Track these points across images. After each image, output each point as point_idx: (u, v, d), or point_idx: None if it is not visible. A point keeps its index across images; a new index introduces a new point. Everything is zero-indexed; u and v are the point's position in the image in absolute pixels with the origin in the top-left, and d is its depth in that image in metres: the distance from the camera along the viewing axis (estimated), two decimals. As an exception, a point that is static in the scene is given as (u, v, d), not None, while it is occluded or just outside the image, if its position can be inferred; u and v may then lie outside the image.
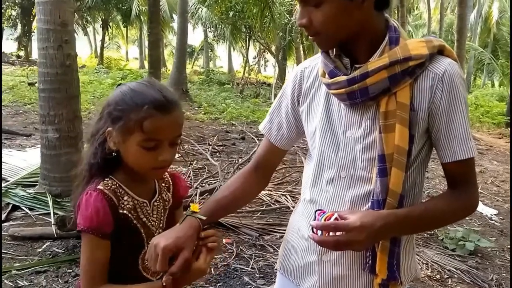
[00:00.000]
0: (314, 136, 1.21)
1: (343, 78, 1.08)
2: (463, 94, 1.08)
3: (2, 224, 3.55)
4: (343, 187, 1.15)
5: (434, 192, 5.44)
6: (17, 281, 2.81)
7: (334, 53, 1.15)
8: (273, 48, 19.75)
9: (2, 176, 4.46)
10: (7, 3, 20.86)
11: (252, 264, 3.28)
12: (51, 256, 3.14)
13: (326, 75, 1.13)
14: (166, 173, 1.26)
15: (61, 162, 3.99)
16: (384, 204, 1.08)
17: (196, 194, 4.19)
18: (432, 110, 1.07)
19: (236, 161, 5.64)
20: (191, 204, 1.16)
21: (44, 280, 2.84)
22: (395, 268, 1.11)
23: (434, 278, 3.30)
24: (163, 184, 1.24)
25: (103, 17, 24.69)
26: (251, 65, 21.12)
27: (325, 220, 1.02)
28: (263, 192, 4.62)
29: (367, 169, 1.12)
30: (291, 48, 20.74)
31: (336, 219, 1.02)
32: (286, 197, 4.67)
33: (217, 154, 6.51)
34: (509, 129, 11.17)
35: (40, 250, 3.22)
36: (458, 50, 9.61)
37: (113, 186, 1.11)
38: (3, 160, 4.93)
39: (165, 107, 1.06)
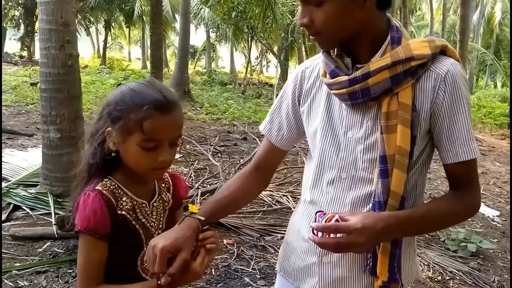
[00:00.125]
0: (315, 136, 1.20)
1: (345, 78, 1.07)
2: (466, 94, 1.07)
3: (3, 224, 3.55)
4: (344, 188, 1.14)
5: (436, 193, 5.42)
6: (18, 281, 2.80)
7: (335, 53, 1.14)
8: (275, 49, 19.75)
9: (4, 176, 4.47)
10: (10, 3, 20.91)
11: (253, 265, 3.27)
12: (51, 256, 3.14)
13: (327, 75, 1.12)
14: (166, 174, 1.26)
15: (62, 162, 3.99)
16: (385, 206, 1.07)
17: (197, 195, 4.19)
18: (434, 110, 1.06)
19: (238, 162, 5.63)
20: (189, 205, 1.15)
21: (45, 280, 2.83)
22: (396, 270, 1.10)
23: (436, 279, 3.29)
24: (163, 185, 1.24)
25: (105, 18, 24.72)
26: (253, 66, 21.15)
27: (325, 221, 1.01)
28: (264, 192, 4.61)
29: (368, 170, 1.11)
30: (293, 48, 20.74)
31: (337, 220, 1.01)
32: (287, 197, 4.66)
33: (219, 154, 6.50)
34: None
35: (40, 250, 3.22)
36: (460, 51, 9.58)
37: (111, 187, 1.10)
38: (4, 160, 4.94)
39: (165, 107, 1.05)
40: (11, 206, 3.87)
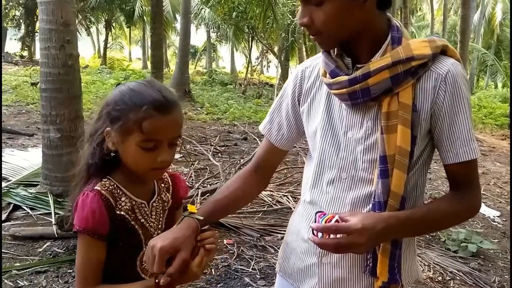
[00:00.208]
0: (315, 136, 1.20)
1: (345, 78, 1.07)
2: (466, 95, 1.06)
3: (4, 224, 3.55)
4: (343, 188, 1.14)
5: (436, 193, 5.41)
6: (17, 281, 2.80)
7: (335, 53, 1.14)
8: (275, 49, 19.75)
9: (4, 175, 4.47)
10: (11, 3, 20.92)
11: (253, 265, 3.27)
12: (51, 256, 3.14)
13: (327, 75, 1.12)
14: (166, 174, 1.25)
15: (62, 162, 3.99)
16: (385, 206, 1.06)
17: (197, 195, 4.18)
18: (435, 111, 1.06)
19: (238, 162, 5.63)
20: (188, 205, 1.14)
21: (44, 280, 2.83)
22: (396, 271, 1.10)
23: (436, 280, 3.29)
24: (162, 185, 1.23)
25: (106, 18, 24.72)
26: (254, 66, 21.16)
27: (325, 222, 1.01)
28: (264, 192, 4.61)
29: (368, 170, 1.10)
30: (293, 48, 20.73)
31: (337, 221, 1.00)
32: (288, 197, 4.66)
33: (219, 154, 6.50)
34: (512, 130, 11.12)
35: (40, 250, 3.21)
36: (461, 51, 9.58)
37: (110, 187, 1.10)
38: (5, 159, 4.94)
39: (165, 107, 1.05)
40: (11, 206, 3.86)
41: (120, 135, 1.06)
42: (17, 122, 7.99)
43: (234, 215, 3.93)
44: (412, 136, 1.05)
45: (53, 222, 3.54)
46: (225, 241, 3.59)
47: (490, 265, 3.69)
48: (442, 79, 1.05)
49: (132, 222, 1.12)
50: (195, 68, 30.52)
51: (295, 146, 6.55)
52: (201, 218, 1.11)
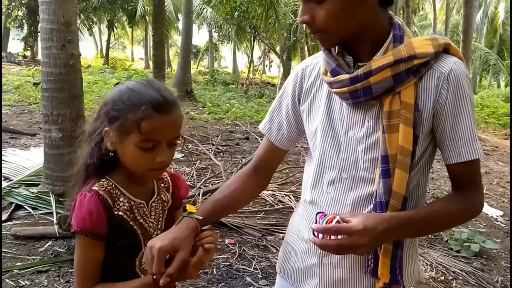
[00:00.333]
0: (315, 136, 1.19)
1: (346, 76, 1.06)
2: (469, 93, 1.05)
3: (5, 223, 3.56)
4: (344, 188, 1.13)
5: (439, 193, 5.39)
6: (19, 280, 2.80)
7: (336, 51, 1.12)
8: (277, 49, 19.74)
9: (6, 175, 4.48)
10: (14, 4, 20.96)
11: (255, 265, 3.26)
12: (53, 256, 3.14)
13: (328, 74, 1.11)
14: (166, 174, 1.24)
15: (64, 161, 3.99)
16: (387, 206, 1.05)
17: (199, 194, 4.18)
18: (437, 110, 1.05)
19: (240, 161, 5.62)
20: (187, 204, 1.13)
21: (46, 280, 2.83)
22: (398, 272, 1.08)
23: (439, 279, 3.27)
24: (162, 185, 1.22)
25: (108, 18, 24.76)
26: (256, 66, 21.14)
27: (326, 223, 0.99)
28: (266, 192, 4.60)
29: (370, 170, 1.09)
30: (295, 48, 20.72)
31: (338, 222, 0.99)
32: (290, 197, 4.65)
33: (221, 154, 6.50)
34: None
35: (42, 249, 3.22)
36: (463, 51, 9.55)
37: (108, 187, 1.09)
38: (7, 159, 4.96)
39: (164, 107, 1.04)
40: (13, 205, 3.88)
41: (119, 135, 1.05)
42: (20, 122, 8.01)
43: (236, 214, 3.93)
44: (414, 136, 1.04)
45: (55, 221, 3.55)
46: (226, 241, 3.58)
47: (493, 264, 3.68)
48: (444, 78, 1.03)
49: (131, 223, 1.11)
50: (197, 67, 30.52)
51: (297, 146, 6.55)
52: (200, 218, 1.10)
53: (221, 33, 24.72)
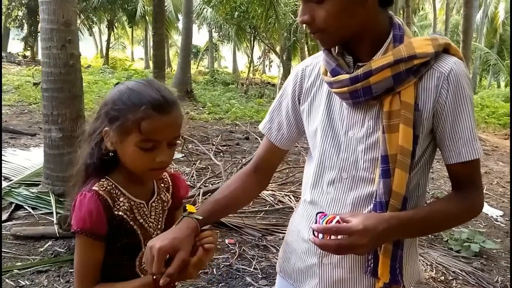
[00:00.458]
0: (315, 136, 1.19)
1: (346, 76, 1.06)
2: (469, 94, 1.05)
3: (5, 223, 3.56)
4: (344, 188, 1.13)
5: (439, 193, 5.39)
6: (19, 280, 2.80)
7: (336, 51, 1.12)
8: (277, 49, 19.74)
9: (6, 175, 4.48)
10: (14, 4, 20.96)
11: (255, 265, 3.26)
12: (53, 256, 3.14)
13: (328, 74, 1.11)
14: (166, 173, 1.24)
15: (64, 161, 3.99)
16: (387, 206, 1.05)
17: (199, 194, 4.18)
18: (437, 110, 1.05)
19: (240, 161, 5.62)
20: (187, 204, 1.13)
21: (46, 280, 2.83)
22: (398, 272, 1.08)
23: (439, 279, 3.27)
24: (162, 185, 1.22)
25: (108, 18, 24.76)
26: (256, 66, 21.13)
27: (326, 223, 0.99)
28: (266, 192, 4.60)
29: (370, 170, 1.09)
30: (295, 48, 20.72)
31: (338, 222, 0.99)
32: (290, 197, 4.65)
33: (221, 154, 6.50)
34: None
35: (42, 249, 3.22)
36: (463, 51, 9.55)
37: (108, 187, 1.09)
38: (7, 159, 4.96)
39: (164, 107, 1.03)
40: (13, 205, 3.88)
41: (119, 135, 1.05)
42: (20, 122, 8.01)
43: (236, 214, 3.93)
44: (414, 136, 1.04)
45: (55, 221, 3.55)
46: (226, 241, 3.58)
47: (493, 265, 3.68)
48: (444, 78, 1.03)
49: (131, 223, 1.11)
50: (197, 68, 30.53)
51: (297, 146, 6.55)
52: (200, 217, 1.10)
53: (221, 33, 24.73)
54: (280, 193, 4.74)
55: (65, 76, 3.98)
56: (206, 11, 20.40)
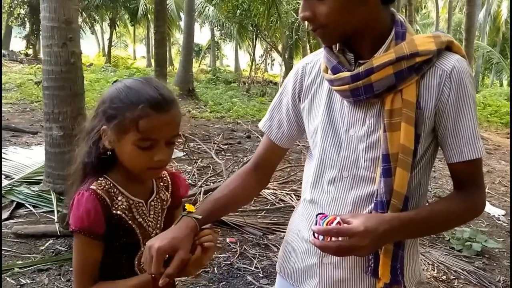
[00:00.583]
0: (316, 134, 1.17)
1: (347, 74, 1.04)
2: (472, 92, 1.04)
3: (6, 222, 3.56)
4: (345, 187, 1.12)
5: (441, 192, 5.38)
6: (20, 279, 2.80)
7: (337, 48, 1.11)
8: (279, 47, 19.69)
9: (8, 173, 4.48)
10: (16, 2, 20.98)
11: (256, 264, 3.25)
12: (54, 254, 3.14)
13: (329, 71, 1.09)
14: (165, 172, 1.23)
15: (65, 159, 3.99)
16: (388, 206, 1.04)
17: (200, 193, 4.17)
18: (439, 108, 1.03)
19: (241, 160, 5.62)
20: (186, 204, 1.12)
21: (47, 278, 2.83)
22: (399, 272, 1.07)
23: (440, 279, 3.26)
24: (161, 184, 1.21)
25: (110, 16, 24.78)
26: (258, 64, 21.07)
27: (327, 224, 0.98)
28: (267, 191, 4.60)
29: (371, 169, 1.08)
30: (298, 46, 20.68)
31: (338, 223, 0.98)
32: (291, 196, 4.64)
33: (222, 152, 6.50)
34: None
35: (43, 248, 3.22)
36: (466, 49, 9.52)
37: (106, 186, 1.08)
38: (9, 157, 4.96)
39: (162, 105, 1.02)
40: (14, 203, 3.88)
41: (116, 133, 1.04)
42: (21, 120, 8.02)
43: (237, 213, 3.92)
44: (416, 134, 1.02)
45: (56, 220, 3.55)
46: (227, 240, 3.58)
47: (495, 264, 3.66)
48: (447, 76, 1.02)
49: (129, 222, 1.10)
50: (199, 66, 30.53)
51: (298, 144, 6.54)
52: (199, 217, 1.09)
53: (223, 31, 24.72)
54: (281, 192, 4.73)
55: (66, 74, 3.97)
56: (208, 9, 20.40)
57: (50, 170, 4.13)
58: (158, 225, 1.17)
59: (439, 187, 5.69)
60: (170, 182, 1.24)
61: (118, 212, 1.08)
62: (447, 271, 3.38)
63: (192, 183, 4.67)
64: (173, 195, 1.24)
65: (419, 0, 26.20)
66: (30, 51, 23.97)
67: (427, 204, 1.18)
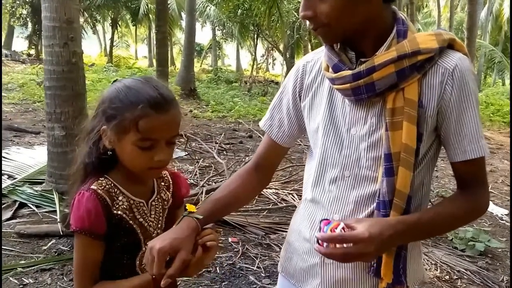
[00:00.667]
0: (317, 133, 1.16)
1: (348, 72, 1.04)
2: (474, 90, 1.03)
3: (9, 222, 3.56)
4: (347, 187, 1.11)
5: (443, 191, 5.36)
6: (23, 278, 2.81)
7: (338, 46, 1.10)
8: (281, 46, 19.69)
9: (10, 173, 4.49)
10: (18, 2, 21.01)
11: (258, 263, 3.25)
12: (56, 254, 3.14)
13: (330, 69, 1.08)
14: (166, 172, 1.23)
15: (67, 159, 3.99)
16: (390, 205, 1.03)
17: (202, 192, 4.17)
18: (442, 107, 1.03)
19: (243, 160, 5.62)
20: (187, 204, 1.12)
21: (49, 278, 2.83)
22: (401, 272, 1.07)
23: (443, 279, 3.25)
24: (162, 183, 1.21)
25: (112, 16, 24.80)
26: (259, 64, 21.10)
27: (331, 230, 0.97)
28: (269, 190, 4.59)
29: (373, 168, 1.07)
30: (299, 46, 20.66)
31: (342, 229, 0.97)
32: (293, 195, 4.63)
33: (224, 152, 6.50)
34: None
35: (45, 247, 3.22)
36: (468, 48, 9.42)
37: (107, 186, 1.08)
38: (11, 157, 4.97)
39: (161, 105, 1.02)
40: (17, 203, 3.88)
41: (116, 133, 1.03)
42: (24, 120, 8.04)
43: (239, 213, 3.92)
44: (418, 133, 1.02)
45: (58, 219, 3.55)
46: (230, 239, 3.57)
47: (498, 264, 3.65)
48: (449, 74, 1.01)
49: (130, 222, 1.10)
50: (200, 66, 30.53)
51: (300, 144, 6.53)
52: (201, 217, 1.09)
53: (224, 31, 24.73)
54: (283, 192, 4.73)
55: (68, 74, 3.98)
56: (209, 9, 20.41)
57: (52, 170, 4.14)
58: (159, 225, 1.17)
59: (441, 187, 5.67)
60: (171, 182, 1.24)
61: (119, 212, 1.08)
62: (450, 271, 3.37)
63: (194, 182, 4.67)
64: (174, 195, 1.23)
65: (420, -1, 26.13)
66: (32, 51, 23.99)
67: (430, 205, 1.17)
